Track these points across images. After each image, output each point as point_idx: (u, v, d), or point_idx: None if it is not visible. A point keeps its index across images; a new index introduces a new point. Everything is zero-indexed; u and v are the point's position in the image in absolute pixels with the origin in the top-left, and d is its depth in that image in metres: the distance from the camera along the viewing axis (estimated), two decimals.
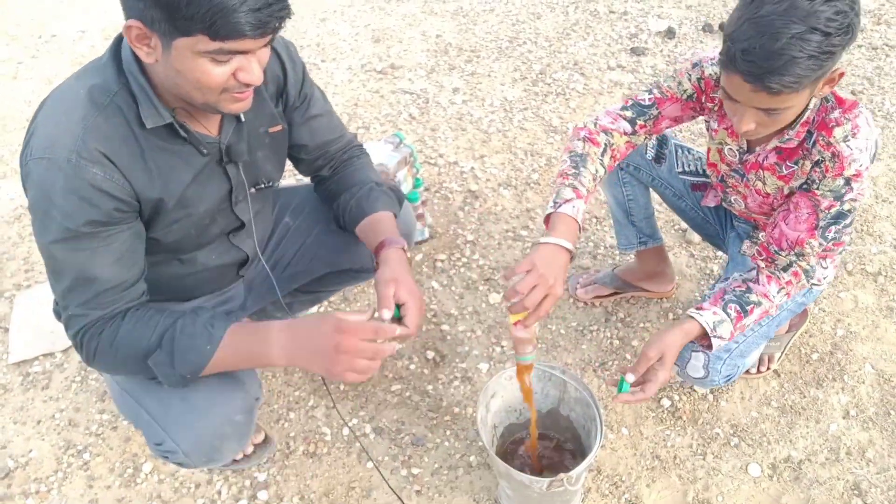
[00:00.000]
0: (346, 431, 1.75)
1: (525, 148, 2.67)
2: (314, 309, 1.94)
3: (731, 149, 1.50)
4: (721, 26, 3.38)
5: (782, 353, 1.88)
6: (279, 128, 1.32)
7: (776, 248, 1.40)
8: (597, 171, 1.42)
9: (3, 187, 2.54)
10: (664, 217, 2.33)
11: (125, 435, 1.74)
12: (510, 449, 1.62)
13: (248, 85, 1.04)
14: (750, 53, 1.09)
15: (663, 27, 3.40)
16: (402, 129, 2.78)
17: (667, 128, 1.55)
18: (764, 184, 1.46)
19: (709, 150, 1.59)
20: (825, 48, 1.08)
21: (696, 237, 2.23)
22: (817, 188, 1.31)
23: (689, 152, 1.76)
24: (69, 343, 1.83)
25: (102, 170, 1.05)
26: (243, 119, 1.23)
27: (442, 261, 2.21)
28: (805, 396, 1.83)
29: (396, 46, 3.31)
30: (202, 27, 0.93)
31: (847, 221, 1.37)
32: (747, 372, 1.83)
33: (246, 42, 0.97)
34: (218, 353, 1.14)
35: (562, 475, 1.29)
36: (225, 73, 1.01)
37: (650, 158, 1.75)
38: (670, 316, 2.04)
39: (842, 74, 1.18)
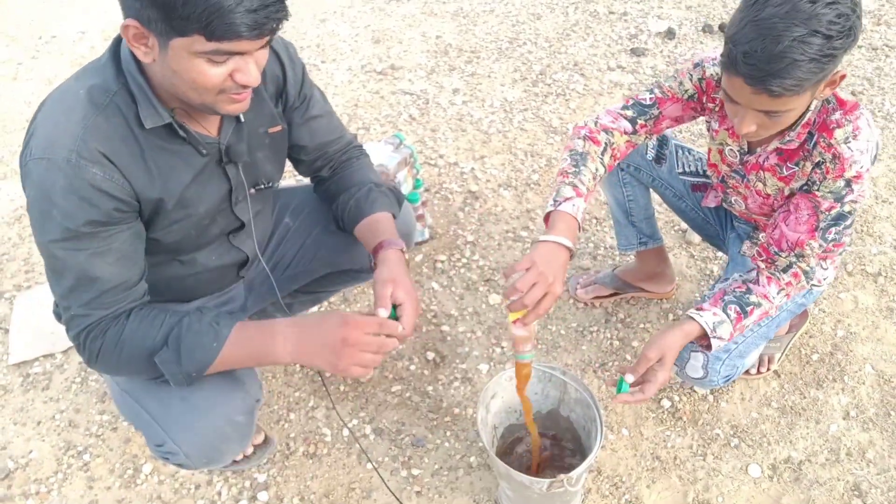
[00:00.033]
0: (345, 432, 1.75)
1: (525, 149, 2.67)
2: (314, 309, 1.94)
3: (731, 149, 1.50)
4: (721, 27, 3.38)
5: (782, 353, 1.87)
6: (279, 128, 1.32)
7: (776, 249, 1.40)
8: (597, 169, 1.42)
9: (3, 188, 2.53)
10: (664, 218, 2.33)
11: (125, 436, 1.74)
12: (510, 450, 1.62)
13: (245, 86, 1.04)
14: (751, 56, 1.09)
15: (663, 28, 3.40)
16: (402, 130, 2.77)
17: (667, 128, 1.55)
18: (764, 185, 1.46)
19: (709, 150, 1.59)
20: (827, 51, 1.08)
21: (696, 238, 2.23)
22: (818, 189, 1.31)
23: (689, 153, 1.76)
24: (69, 344, 1.84)
25: (102, 170, 1.05)
26: (243, 119, 1.23)
27: (442, 261, 2.21)
28: (805, 397, 1.83)
29: (396, 47, 3.31)
30: (198, 27, 0.93)
31: (847, 223, 1.37)
32: (747, 372, 1.83)
33: (242, 43, 0.97)
34: (224, 351, 1.14)
35: (562, 476, 1.29)
36: (221, 74, 1.01)
37: (651, 159, 1.75)
38: (670, 317, 2.04)
39: (843, 76, 1.18)
